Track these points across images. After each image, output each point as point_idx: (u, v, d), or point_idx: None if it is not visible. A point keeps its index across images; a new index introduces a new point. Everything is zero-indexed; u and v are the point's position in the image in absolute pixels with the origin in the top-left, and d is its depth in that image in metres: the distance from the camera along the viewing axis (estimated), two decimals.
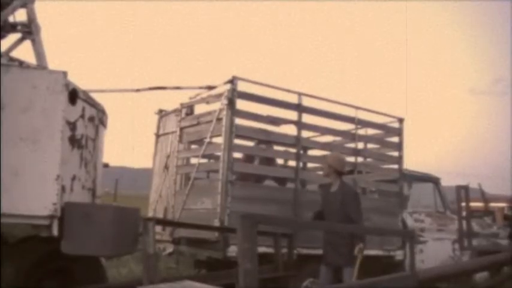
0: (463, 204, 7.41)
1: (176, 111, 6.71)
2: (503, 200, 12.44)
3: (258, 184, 6.22)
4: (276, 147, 6.67)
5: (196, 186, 6.00)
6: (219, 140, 5.80)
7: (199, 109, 6.48)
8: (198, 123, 6.21)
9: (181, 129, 6.50)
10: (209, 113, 5.97)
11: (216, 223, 5.39)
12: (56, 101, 4.08)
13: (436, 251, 7.43)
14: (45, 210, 3.95)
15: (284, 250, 5.30)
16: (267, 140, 6.30)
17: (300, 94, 6.13)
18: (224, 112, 5.58)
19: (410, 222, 7.36)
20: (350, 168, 6.93)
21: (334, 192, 5.29)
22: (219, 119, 5.69)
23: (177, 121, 6.61)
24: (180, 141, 6.50)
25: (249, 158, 6.55)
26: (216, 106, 5.80)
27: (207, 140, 5.88)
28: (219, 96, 5.76)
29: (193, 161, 6.38)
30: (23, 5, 4.83)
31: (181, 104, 6.61)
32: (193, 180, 6.04)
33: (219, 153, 5.73)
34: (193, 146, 6.66)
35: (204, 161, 6.38)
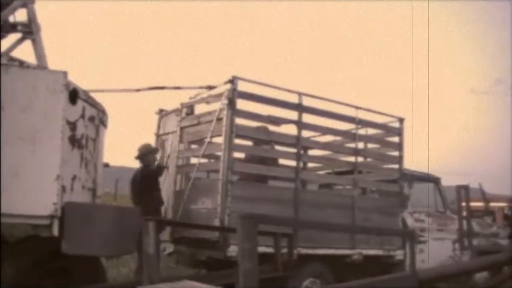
0: (463, 204, 7.41)
1: (176, 111, 6.71)
2: (503, 199, 12.44)
3: (257, 184, 6.21)
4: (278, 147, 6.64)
5: (197, 186, 6.00)
6: (219, 139, 5.79)
7: (199, 109, 6.49)
8: (199, 123, 6.20)
9: (182, 129, 6.50)
10: (209, 113, 5.97)
11: (216, 223, 5.39)
12: (56, 101, 4.08)
13: (436, 251, 7.42)
14: (45, 210, 3.95)
15: (284, 250, 5.30)
16: (268, 139, 6.29)
17: (300, 94, 6.12)
18: (224, 112, 5.58)
19: (410, 222, 7.36)
20: (350, 167, 6.94)
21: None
22: (219, 119, 5.69)
23: (177, 121, 6.60)
24: (181, 141, 6.49)
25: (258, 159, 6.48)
26: (216, 106, 5.80)
27: (207, 139, 5.88)
28: (219, 96, 5.76)
29: (194, 160, 6.37)
30: (23, 5, 4.82)
31: (182, 104, 6.61)
32: (193, 180, 6.04)
33: (219, 153, 5.73)
34: (193, 146, 6.65)
35: (204, 160, 6.38)
